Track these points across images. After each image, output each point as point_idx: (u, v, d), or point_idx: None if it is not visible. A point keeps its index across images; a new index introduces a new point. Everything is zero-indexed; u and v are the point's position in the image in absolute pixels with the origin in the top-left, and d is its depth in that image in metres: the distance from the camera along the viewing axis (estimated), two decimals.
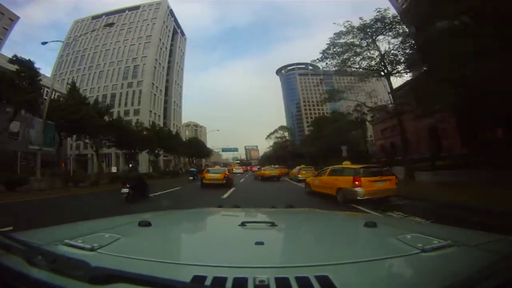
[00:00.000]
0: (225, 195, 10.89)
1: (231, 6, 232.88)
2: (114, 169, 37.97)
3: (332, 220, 1.69)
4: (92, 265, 0.62)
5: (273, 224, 1.19)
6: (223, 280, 0.62)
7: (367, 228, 1.14)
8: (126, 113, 48.62)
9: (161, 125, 44.36)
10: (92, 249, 0.82)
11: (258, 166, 64.79)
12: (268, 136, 60.59)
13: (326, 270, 0.67)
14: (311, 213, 2.02)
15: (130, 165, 31.90)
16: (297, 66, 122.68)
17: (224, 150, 77.96)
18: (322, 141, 32.83)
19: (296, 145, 52.86)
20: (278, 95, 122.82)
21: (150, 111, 52.35)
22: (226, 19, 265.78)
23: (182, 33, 74.16)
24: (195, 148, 47.83)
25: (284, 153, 51.73)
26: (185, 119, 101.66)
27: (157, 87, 57.76)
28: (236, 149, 79.40)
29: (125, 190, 8.45)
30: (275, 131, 60.04)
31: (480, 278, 0.59)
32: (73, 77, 53.56)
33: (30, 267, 0.65)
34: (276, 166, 31.76)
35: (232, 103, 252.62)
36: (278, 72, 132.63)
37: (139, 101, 51.44)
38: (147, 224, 1.17)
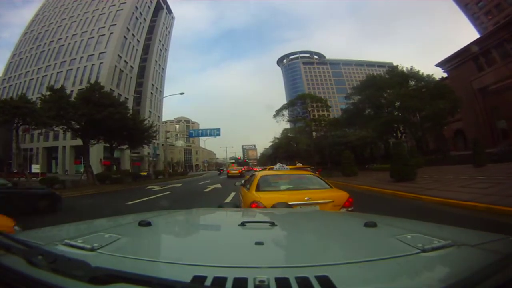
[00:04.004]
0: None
1: (228, 8, 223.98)
2: (36, 169, 24.23)
3: (332, 220, 1.71)
4: (92, 265, 0.63)
5: (273, 224, 1.20)
6: (223, 280, 0.63)
7: (367, 228, 1.15)
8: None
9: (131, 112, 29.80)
10: (92, 249, 0.83)
11: (268, 167, 46.31)
12: (279, 113, 34.57)
13: (326, 270, 0.68)
14: (311, 213, 2.05)
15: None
16: (301, 54, 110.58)
17: (191, 134, 45.57)
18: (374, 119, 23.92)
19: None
20: (277, 94, 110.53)
21: (112, 90, 39.10)
22: (223, 22, 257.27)
23: (169, 11, 63.67)
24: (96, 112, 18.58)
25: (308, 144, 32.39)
26: (178, 115, 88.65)
27: (126, 62, 45.83)
28: (218, 132, 37.00)
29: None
30: (292, 102, 35.60)
31: (480, 278, 0.59)
32: (32, 55, 48.99)
33: (30, 267, 0.66)
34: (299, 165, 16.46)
35: (229, 104, 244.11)
36: (279, 62, 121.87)
37: (98, 77, 38.35)
38: (147, 224, 1.17)
